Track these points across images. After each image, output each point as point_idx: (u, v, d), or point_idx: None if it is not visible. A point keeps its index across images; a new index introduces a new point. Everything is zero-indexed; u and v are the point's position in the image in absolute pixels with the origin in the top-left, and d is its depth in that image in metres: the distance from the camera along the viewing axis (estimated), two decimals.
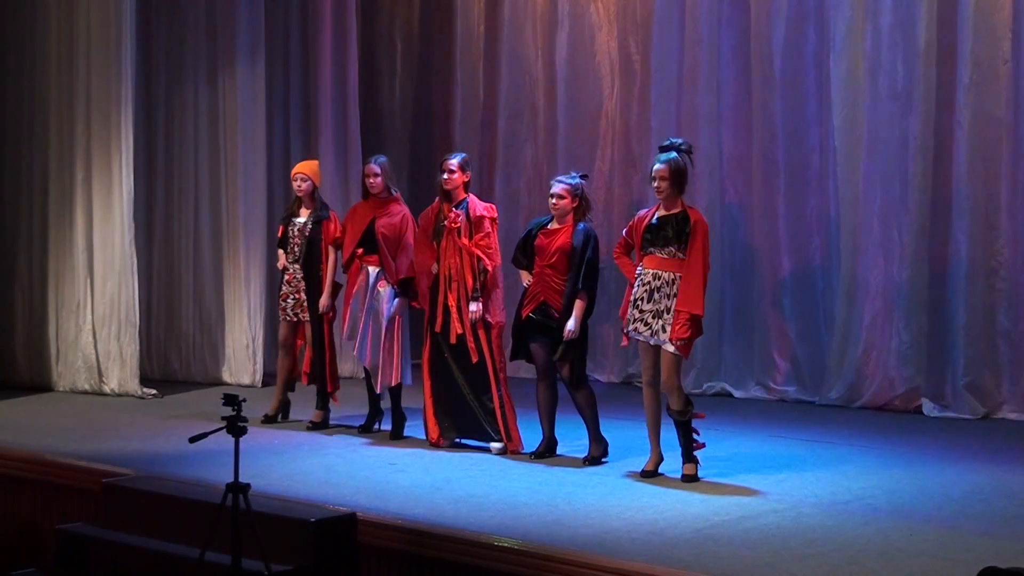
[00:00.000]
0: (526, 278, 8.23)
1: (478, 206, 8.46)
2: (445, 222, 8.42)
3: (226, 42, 11.52)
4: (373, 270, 8.94)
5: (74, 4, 10.98)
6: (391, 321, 8.85)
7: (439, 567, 6.35)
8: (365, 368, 9.09)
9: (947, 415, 9.73)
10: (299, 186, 9.35)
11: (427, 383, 8.52)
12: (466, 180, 8.51)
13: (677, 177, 7.55)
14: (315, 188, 9.39)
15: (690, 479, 7.52)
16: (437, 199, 8.57)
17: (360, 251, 8.96)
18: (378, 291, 8.90)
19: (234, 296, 11.49)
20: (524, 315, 8.16)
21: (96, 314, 10.90)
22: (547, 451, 8.24)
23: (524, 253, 8.23)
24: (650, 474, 7.62)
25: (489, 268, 8.36)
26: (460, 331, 8.35)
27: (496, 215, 8.55)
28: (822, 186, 10.49)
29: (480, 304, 8.31)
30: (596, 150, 11.61)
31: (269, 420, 9.40)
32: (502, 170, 12.05)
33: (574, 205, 8.07)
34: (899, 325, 10.01)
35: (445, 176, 8.44)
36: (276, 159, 11.84)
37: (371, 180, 8.95)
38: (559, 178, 8.22)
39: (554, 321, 8.03)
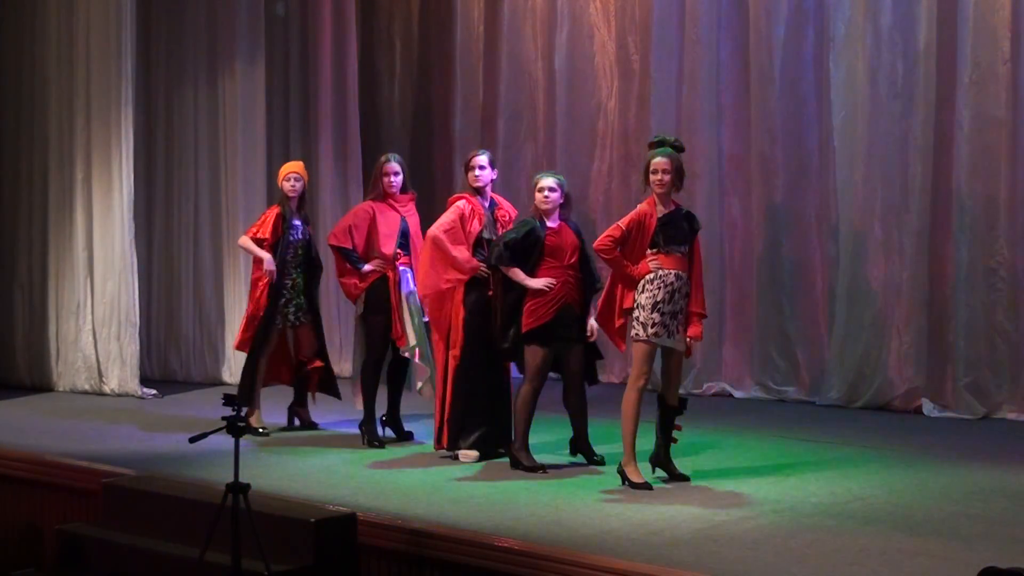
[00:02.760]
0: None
1: (508, 208, 8.29)
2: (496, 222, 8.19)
3: (226, 42, 11.53)
4: (404, 270, 8.65)
5: (74, 4, 10.99)
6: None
7: (439, 567, 6.34)
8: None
9: (947, 415, 9.72)
10: (293, 186, 8.99)
11: (451, 388, 8.14)
12: (493, 178, 8.26)
13: (679, 172, 7.46)
14: (305, 188, 9.19)
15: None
16: (465, 196, 8.24)
17: (399, 252, 8.67)
18: (412, 292, 8.60)
19: (234, 296, 11.49)
20: (546, 320, 7.75)
21: (96, 314, 10.90)
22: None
23: (515, 253, 7.78)
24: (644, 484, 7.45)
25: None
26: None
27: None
28: (822, 186, 10.47)
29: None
30: (595, 150, 11.61)
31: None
32: (502, 170, 11.95)
33: (561, 202, 7.88)
34: (899, 325, 10.00)
35: (477, 173, 8.14)
36: (276, 159, 11.81)
37: (391, 179, 8.65)
38: (544, 173, 8.03)
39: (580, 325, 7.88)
